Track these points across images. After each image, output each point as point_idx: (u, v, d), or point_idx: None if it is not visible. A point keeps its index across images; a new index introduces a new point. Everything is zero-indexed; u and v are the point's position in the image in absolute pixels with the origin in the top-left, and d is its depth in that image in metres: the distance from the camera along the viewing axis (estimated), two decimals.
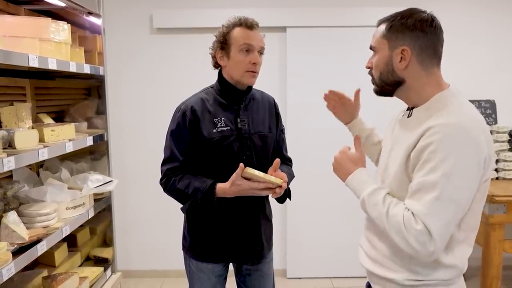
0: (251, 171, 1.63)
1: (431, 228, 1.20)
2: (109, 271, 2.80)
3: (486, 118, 3.44)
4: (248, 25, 1.81)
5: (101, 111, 2.84)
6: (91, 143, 2.52)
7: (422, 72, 1.33)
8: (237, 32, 1.80)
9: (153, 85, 3.58)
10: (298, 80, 3.54)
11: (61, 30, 2.19)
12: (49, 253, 2.42)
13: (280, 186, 1.72)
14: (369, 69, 1.45)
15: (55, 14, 2.59)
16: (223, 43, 1.82)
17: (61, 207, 2.27)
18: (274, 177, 1.71)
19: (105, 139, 2.75)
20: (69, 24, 2.25)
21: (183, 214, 1.97)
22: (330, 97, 1.88)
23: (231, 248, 1.91)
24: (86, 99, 3.02)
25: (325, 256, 3.70)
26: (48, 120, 2.47)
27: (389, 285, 1.40)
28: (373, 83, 1.44)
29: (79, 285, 2.36)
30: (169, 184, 1.83)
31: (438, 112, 1.28)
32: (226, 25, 1.84)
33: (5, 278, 1.69)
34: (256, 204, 1.93)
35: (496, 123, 3.46)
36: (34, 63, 1.89)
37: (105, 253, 2.87)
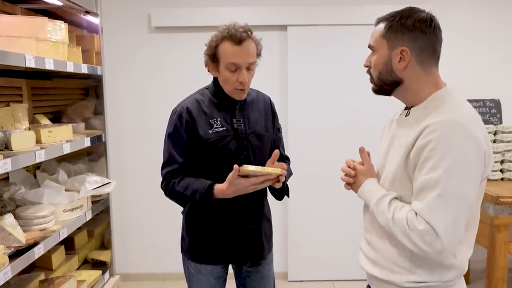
0: (248, 168, 1.61)
1: (435, 226, 1.21)
2: (107, 274, 2.76)
3: (491, 118, 3.40)
4: (236, 39, 1.70)
5: (99, 111, 2.81)
6: (89, 144, 2.50)
7: (421, 72, 1.34)
8: (224, 48, 1.72)
9: (152, 84, 3.54)
10: (299, 79, 3.52)
11: (58, 30, 2.16)
12: (46, 256, 2.40)
13: (281, 175, 1.70)
14: (367, 68, 1.45)
15: (52, 13, 2.56)
16: (212, 57, 1.77)
17: (58, 210, 2.25)
18: (271, 168, 1.69)
19: (103, 140, 2.72)
20: (66, 24, 2.22)
21: (181, 214, 1.97)
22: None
23: (230, 249, 1.89)
24: (84, 99, 2.98)
25: (327, 259, 3.66)
26: (45, 121, 2.45)
27: (388, 287, 1.40)
28: (372, 82, 1.44)
29: None
30: (169, 187, 1.82)
31: (435, 111, 1.29)
32: (214, 38, 1.75)
33: (1, 282, 1.68)
34: (255, 204, 1.91)
35: (501, 122, 3.40)
36: (30, 63, 1.87)
37: (103, 256, 2.84)
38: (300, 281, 3.67)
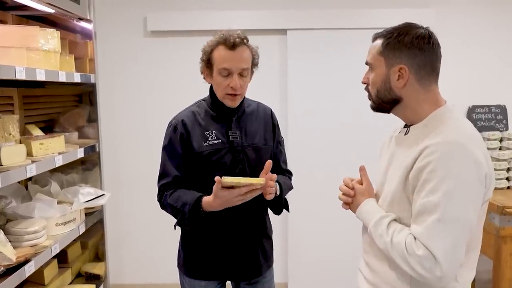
0: (228, 179, 1.58)
1: (434, 252, 1.17)
2: None
3: (497, 124, 3.33)
4: (230, 44, 1.70)
5: (93, 119, 2.74)
6: (82, 156, 2.43)
7: (420, 90, 1.32)
8: (218, 53, 1.73)
9: (148, 90, 3.47)
10: (298, 83, 3.46)
11: (50, 38, 2.09)
12: (38, 270, 2.29)
13: (268, 185, 1.66)
14: (365, 85, 1.42)
15: (44, 18, 2.49)
16: (207, 62, 1.78)
17: (50, 224, 2.18)
18: (254, 178, 1.64)
19: (97, 150, 2.65)
20: (59, 31, 2.15)
21: (179, 228, 1.93)
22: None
23: (224, 265, 1.87)
24: (77, 106, 2.90)
25: (328, 273, 3.59)
26: (36, 131, 2.37)
27: None
28: (370, 99, 1.42)
29: None
30: (162, 199, 1.82)
31: (434, 130, 1.27)
32: (210, 43, 1.76)
33: None
34: (252, 220, 1.88)
35: (507, 129, 3.34)
36: (21, 75, 1.81)
37: (97, 268, 2.76)
38: None
